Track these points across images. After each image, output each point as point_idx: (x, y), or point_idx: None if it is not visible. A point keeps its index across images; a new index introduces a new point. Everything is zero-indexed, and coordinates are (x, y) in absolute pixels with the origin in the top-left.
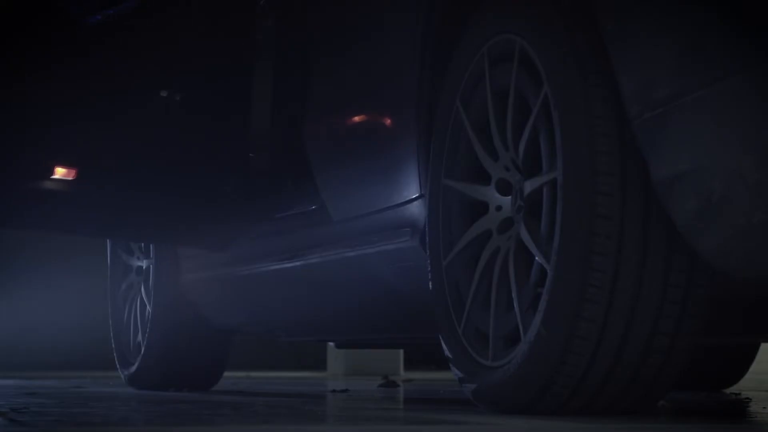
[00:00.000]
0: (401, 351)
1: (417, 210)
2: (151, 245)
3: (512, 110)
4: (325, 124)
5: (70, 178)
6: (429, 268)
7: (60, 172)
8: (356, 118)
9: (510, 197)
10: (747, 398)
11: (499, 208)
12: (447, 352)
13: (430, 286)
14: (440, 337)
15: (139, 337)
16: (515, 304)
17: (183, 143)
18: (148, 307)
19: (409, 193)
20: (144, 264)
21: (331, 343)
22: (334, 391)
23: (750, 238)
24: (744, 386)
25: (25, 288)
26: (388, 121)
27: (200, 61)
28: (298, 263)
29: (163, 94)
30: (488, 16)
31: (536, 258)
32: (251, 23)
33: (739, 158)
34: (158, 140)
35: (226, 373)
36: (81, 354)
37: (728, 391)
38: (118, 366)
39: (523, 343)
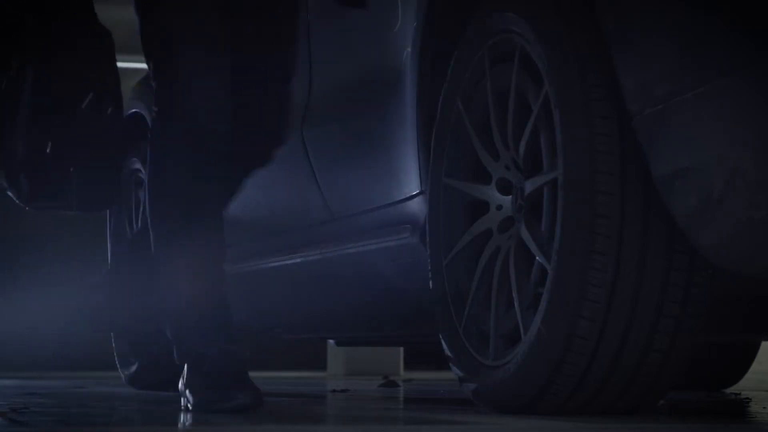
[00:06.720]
0: (401, 350)
1: (417, 207)
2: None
3: (513, 110)
4: (325, 122)
5: None
6: (430, 267)
7: None
8: (357, 116)
9: (510, 196)
10: (747, 398)
11: (499, 207)
12: (447, 351)
13: (431, 284)
14: (440, 336)
15: None
16: (515, 304)
17: None
18: None
19: (409, 190)
20: None
21: (331, 342)
22: (334, 391)
23: (750, 234)
24: (744, 386)
25: (25, 288)
26: (388, 119)
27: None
28: (298, 260)
29: None
30: (489, 15)
31: (537, 257)
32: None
33: (739, 154)
34: None
35: None
36: (81, 354)
37: (728, 391)
38: (118, 366)
39: (523, 343)
